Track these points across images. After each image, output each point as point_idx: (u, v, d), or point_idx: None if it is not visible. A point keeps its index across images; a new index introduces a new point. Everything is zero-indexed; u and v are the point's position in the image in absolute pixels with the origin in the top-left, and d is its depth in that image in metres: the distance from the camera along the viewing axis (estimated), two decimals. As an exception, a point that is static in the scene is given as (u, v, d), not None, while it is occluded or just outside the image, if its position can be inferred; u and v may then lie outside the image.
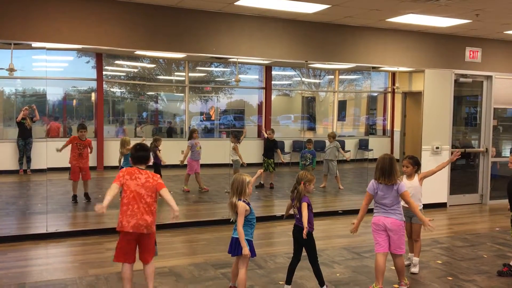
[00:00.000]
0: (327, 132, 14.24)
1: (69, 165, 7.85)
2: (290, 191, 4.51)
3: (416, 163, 5.16)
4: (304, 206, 4.29)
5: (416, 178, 5.18)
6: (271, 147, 9.62)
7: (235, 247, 4.15)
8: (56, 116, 12.21)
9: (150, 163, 8.55)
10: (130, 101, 13.92)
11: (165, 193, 4.04)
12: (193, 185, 9.10)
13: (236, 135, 9.69)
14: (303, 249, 4.37)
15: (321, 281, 4.42)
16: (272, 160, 9.52)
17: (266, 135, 9.90)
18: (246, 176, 4.24)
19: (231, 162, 9.08)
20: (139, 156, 4.10)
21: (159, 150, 8.79)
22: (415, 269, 5.11)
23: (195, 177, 9.03)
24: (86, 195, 7.94)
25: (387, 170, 4.33)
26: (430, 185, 8.53)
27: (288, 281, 4.45)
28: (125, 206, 3.96)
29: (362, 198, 7.01)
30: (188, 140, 9.26)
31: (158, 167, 8.76)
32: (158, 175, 4.13)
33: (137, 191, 3.96)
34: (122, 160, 8.40)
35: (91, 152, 8.01)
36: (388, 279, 4.70)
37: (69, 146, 7.82)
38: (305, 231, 4.20)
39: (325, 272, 4.69)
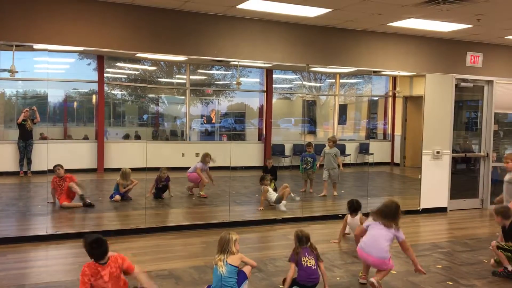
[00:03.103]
0: (328, 136, 14.24)
1: (71, 167, 7.83)
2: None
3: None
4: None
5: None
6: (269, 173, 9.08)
7: None
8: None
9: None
10: (131, 103, 13.95)
11: (139, 275, 3.95)
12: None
13: (269, 178, 8.48)
14: None
15: None
16: (274, 182, 9.02)
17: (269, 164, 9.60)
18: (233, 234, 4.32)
19: (231, 166, 8.93)
20: (95, 254, 3.83)
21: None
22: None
23: (200, 181, 8.98)
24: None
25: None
26: (431, 190, 8.58)
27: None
28: None
29: (362, 203, 6.94)
30: (200, 162, 9.01)
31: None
32: (122, 258, 3.91)
33: None
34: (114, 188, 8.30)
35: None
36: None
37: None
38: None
39: (325, 276, 4.68)
